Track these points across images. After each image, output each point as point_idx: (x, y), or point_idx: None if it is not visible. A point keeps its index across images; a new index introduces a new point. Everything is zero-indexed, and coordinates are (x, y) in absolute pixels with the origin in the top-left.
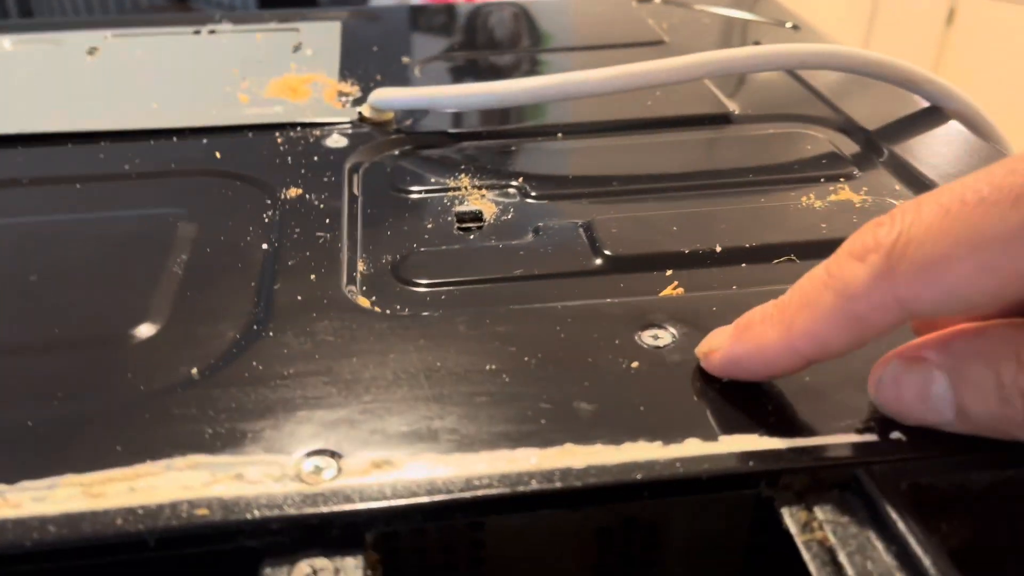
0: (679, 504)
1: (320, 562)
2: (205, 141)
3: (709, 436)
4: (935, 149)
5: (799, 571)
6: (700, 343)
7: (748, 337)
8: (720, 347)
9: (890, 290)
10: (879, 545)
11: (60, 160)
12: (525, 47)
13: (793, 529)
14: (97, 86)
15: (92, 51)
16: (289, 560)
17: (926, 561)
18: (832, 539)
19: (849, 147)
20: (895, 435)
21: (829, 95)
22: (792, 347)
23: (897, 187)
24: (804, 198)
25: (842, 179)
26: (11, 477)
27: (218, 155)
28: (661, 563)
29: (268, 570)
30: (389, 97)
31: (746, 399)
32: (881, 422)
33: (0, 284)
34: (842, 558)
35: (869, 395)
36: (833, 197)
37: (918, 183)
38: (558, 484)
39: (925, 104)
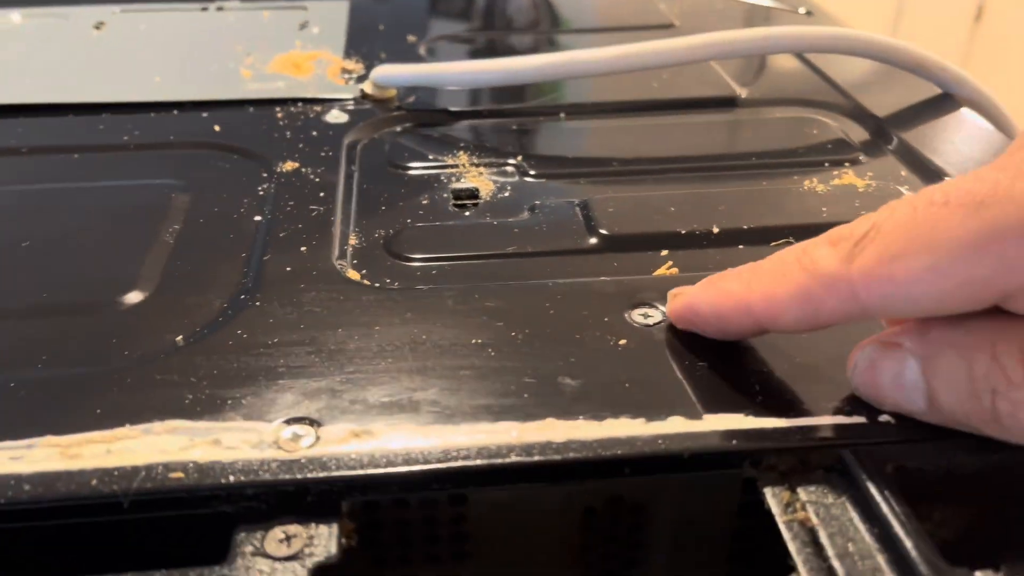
0: (665, 484)
1: (294, 528)
2: (205, 115)
3: (693, 414)
4: (945, 136)
5: (782, 553)
6: (673, 289)
7: (711, 287)
8: (686, 291)
9: (846, 278)
10: (861, 527)
11: (60, 130)
12: (532, 28)
13: (775, 509)
14: (101, 59)
15: (99, 25)
16: (263, 526)
17: (908, 543)
18: (814, 519)
19: (857, 133)
20: (883, 418)
21: (839, 81)
22: (746, 304)
23: (904, 173)
24: (807, 182)
25: (847, 164)
26: None
27: (217, 128)
28: (647, 545)
29: (241, 535)
30: (391, 73)
31: (733, 379)
32: (868, 405)
33: None
34: (823, 538)
35: (849, 379)
36: (836, 181)
37: (926, 170)
38: (537, 457)
39: (937, 91)
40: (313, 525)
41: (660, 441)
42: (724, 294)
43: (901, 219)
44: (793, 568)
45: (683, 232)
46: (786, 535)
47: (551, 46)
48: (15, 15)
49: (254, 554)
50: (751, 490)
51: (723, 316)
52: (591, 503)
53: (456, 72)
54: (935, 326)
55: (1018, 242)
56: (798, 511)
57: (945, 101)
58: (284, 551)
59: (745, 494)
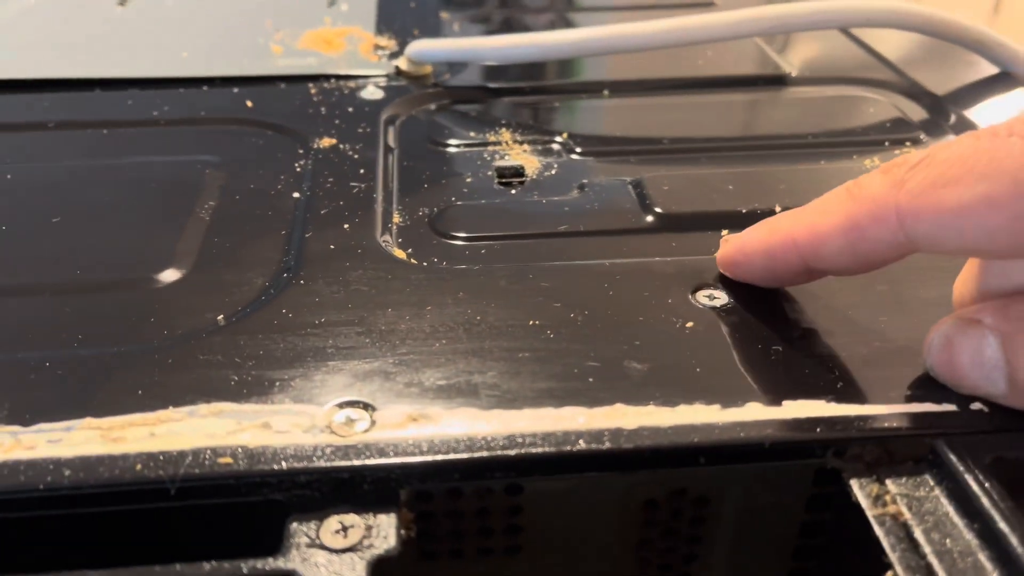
0: (734, 475)
1: (351, 518)
2: (236, 90)
3: (772, 401)
4: (1006, 115)
5: (866, 551)
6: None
7: (764, 226)
8: (737, 235)
9: (894, 201)
10: (959, 522)
11: (87, 105)
12: (570, 5)
13: (864, 503)
14: (127, 35)
15: (123, 1)
16: (318, 516)
17: (1013, 539)
18: (907, 514)
19: (915, 111)
20: (975, 406)
21: (890, 57)
22: (792, 238)
23: None
24: (867, 161)
25: (908, 143)
26: (27, 419)
27: (249, 104)
28: (708, 540)
29: (295, 525)
30: (427, 48)
31: (810, 363)
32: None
33: (21, 226)
34: (918, 535)
35: (924, 363)
36: None
37: None
38: (607, 445)
39: (992, 70)
40: (371, 515)
41: (739, 429)
42: (773, 231)
43: (960, 149)
44: (886, 565)
45: (743, 211)
46: (878, 531)
47: (585, 23)
48: None
49: (310, 546)
50: (822, 481)
51: (770, 252)
52: (653, 495)
53: (495, 47)
54: (1017, 301)
55: None
56: (888, 505)
57: (1003, 79)
58: (341, 542)
59: (816, 485)
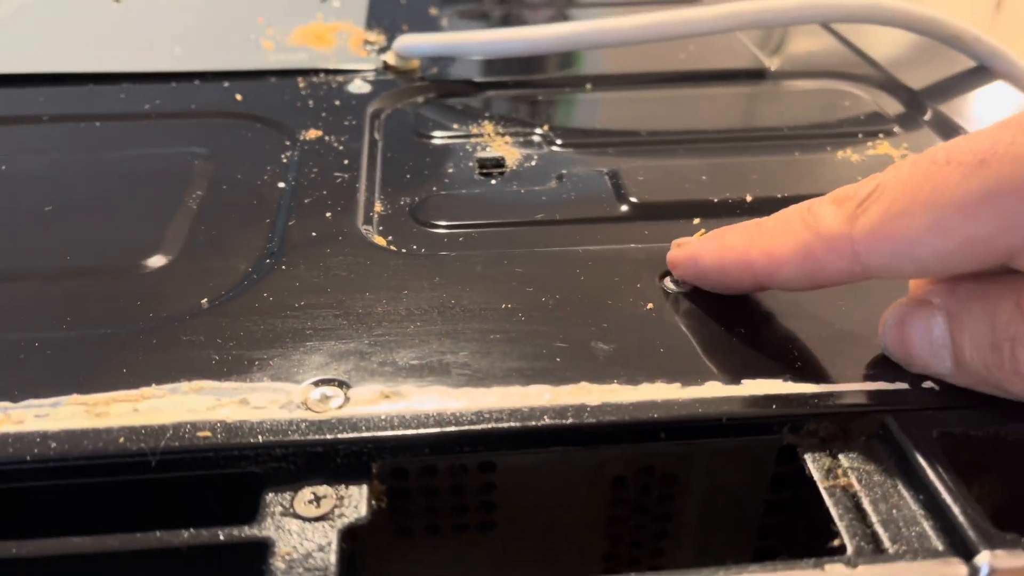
0: (697, 453)
1: (323, 489)
2: (227, 85)
3: (731, 379)
4: (981, 109)
5: (821, 522)
6: (677, 239)
7: (714, 241)
8: (689, 243)
9: (848, 238)
10: (906, 493)
11: (81, 99)
12: (555, 3)
13: (816, 475)
14: (121, 31)
15: None
16: (292, 487)
17: (955, 508)
18: (856, 486)
19: (891, 105)
20: (927, 384)
21: (870, 53)
22: (747, 260)
23: None
24: (841, 152)
25: (881, 135)
26: (16, 396)
27: (239, 98)
28: (677, 518)
29: (270, 495)
30: (414, 43)
31: (770, 345)
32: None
33: (14, 214)
34: (866, 505)
35: (879, 342)
36: (871, 152)
37: None
38: (571, 420)
39: (970, 64)
40: (343, 486)
41: (698, 405)
42: (726, 248)
43: (904, 178)
44: (836, 535)
45: (715, 200)
46: (828, 501)
47: (575, 19)
48: None
49: (283, 514)
50: (785, 460)
51: (723, 270)
52: (621, 473)
53: (480, 41)
54: (964, 282)
55: (1017, 199)
56: (840, 477)
57: (980, 74)
58: (314, 511)
59: (779, 465)
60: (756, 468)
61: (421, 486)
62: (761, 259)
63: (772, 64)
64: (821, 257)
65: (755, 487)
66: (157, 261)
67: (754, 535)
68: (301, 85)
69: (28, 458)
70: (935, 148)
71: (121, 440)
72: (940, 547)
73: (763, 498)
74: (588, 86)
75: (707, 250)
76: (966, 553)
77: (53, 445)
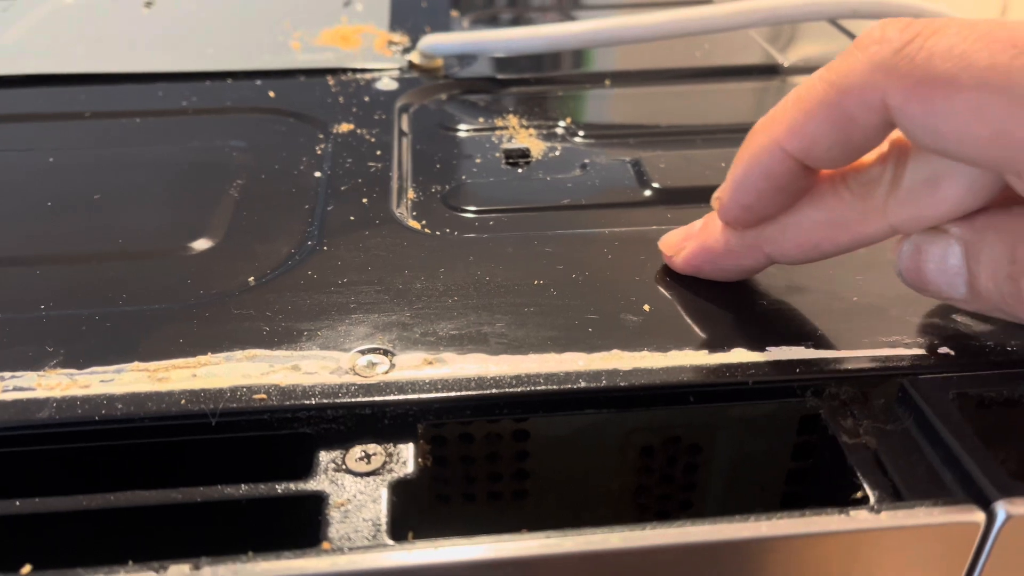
0: (722, 420)
1: (373, 447)
2: (259, 83)
3: (756, 347)
4: None
5: (844, 482)
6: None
7: (742, 149)
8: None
9: (883, 88)
10: (925, 449)
11: (120, 97)
12: (573, 4)
13: (839, 435)
14: (154, 34)
15: (148, 4)
16: (343, 447)
17: (971, 461)
18: (877, 443)
19: None
20: (943, 350)
21: None
22: (777, 144)
23: None
24: None
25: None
26: (80, 363)
27: (272, 95)
28: (702, 487)
29: (323, 453)
30: (438, 42)
31: (793, 316)
32: (929, 337)
33: (67, 203)
34: (886, 461)
35: (894, 268)
36: None
37: None
38: (604, 383)
39: None
40: (391, 445)
41: (725, 370)
42: (754, 146)
43: (956, 41)
44: (858, 489)
45: None
46: (851, 458)
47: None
48: None
49: (336, 470)
50: (806, 430)
51: (765, 169)
52: (648, 442)
53: (502, 39)
54: (982, 213)
55: None
56: (861, 436)
57: None
58: (365, 467)
59: (800, 435)
60: (778, 438)
61: (459, 454)
62: (791, 140)
63: (785, 61)
64: (853, 112)
65: (777, 457)
66: (203, 244)
67: (777, 505)
68: (331, 83)
69: (96, 418)
70: (994, 26)
71: (183, 402)
72: (958, 496)
73: (785, 467)
74: (607, 82)
75: (740, 159)
76: (983, 501)
77: (120, 407)
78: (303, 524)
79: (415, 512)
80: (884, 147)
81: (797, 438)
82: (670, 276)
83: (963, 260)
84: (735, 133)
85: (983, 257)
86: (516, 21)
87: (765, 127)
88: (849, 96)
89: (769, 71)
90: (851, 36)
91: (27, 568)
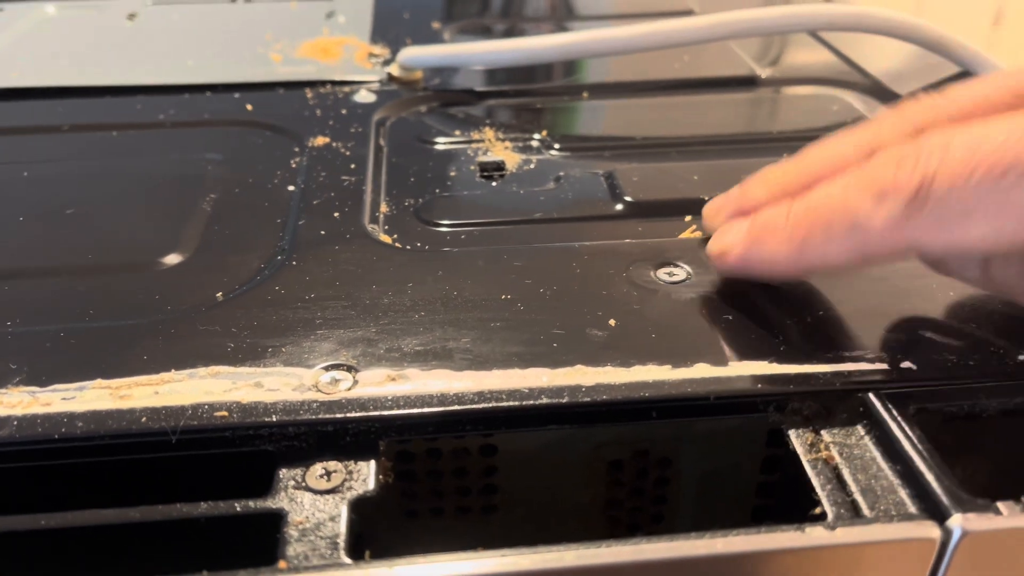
0: (690, 436)
1: (334, 465)
2: (237, 95)
3: (719, 362)
4: None
5: (806, 496)
6: (712, 240)
7: (761, 249)
8: (733, 250)
9: (902, 236)
10: (884, 464)
11: (98, 110)
12: (554, 17)
13: (800, 450)
14: (135, 47)
15: (131, 17)
16: (304, 464)
17: (929, 476)
18: (837, 458)
19: (878, 110)
20: (905, 364)
21: (857, 60)
22: (801, 265)
23: None
24: None
25: None
26: (43, 381)
27: (249, 107)
28: (672, 500)
29: (283, 471)
30: (417, 55)
31: (757, 330)
32: (891, 351)
33: (39, 216)
34: (847, 475)
35: None
36: None
37: None
38: (567, 399)
39: (956, 69)
40: (352, 462)
41: (687, 385)
42: (777, 256)
43: (959, 176)
44: (817, 503)
45: (707, 198)
46: (810, 473)
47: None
48: (49, 7)
49: (296, 487)
50: (775, 443)
51: (778, 273)
52: (618, 456)
53: (480, 52)
54: None
55: None
56: (822, 451)
57: (965, 79)
58: (325, 484)
59: (769, 447)
60: (747, 451)
61: (426, 469)
62: (815, 263)
63: (763, 72)
64: (876, 252)
65: (747, 470)
66: (173, 259)
67: (748, 517)
68: (309, 96)
69: (56, 436)
70: (985, 146)
71: (143, 420)
72: (915, 511)
73: (755, 480)
74: (585, 94)
75: (756, 261)
76: (940, 517)
77: (80, 424)
78: (264, 543)
79: (384, 528)
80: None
81: (766, 451)
82: (636, 291)
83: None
84: (710, 145)
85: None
86: (500, 33)
87: (793, 245)
88: (871, 241)
89: (748, 83)
90: (830, 47)
91: None
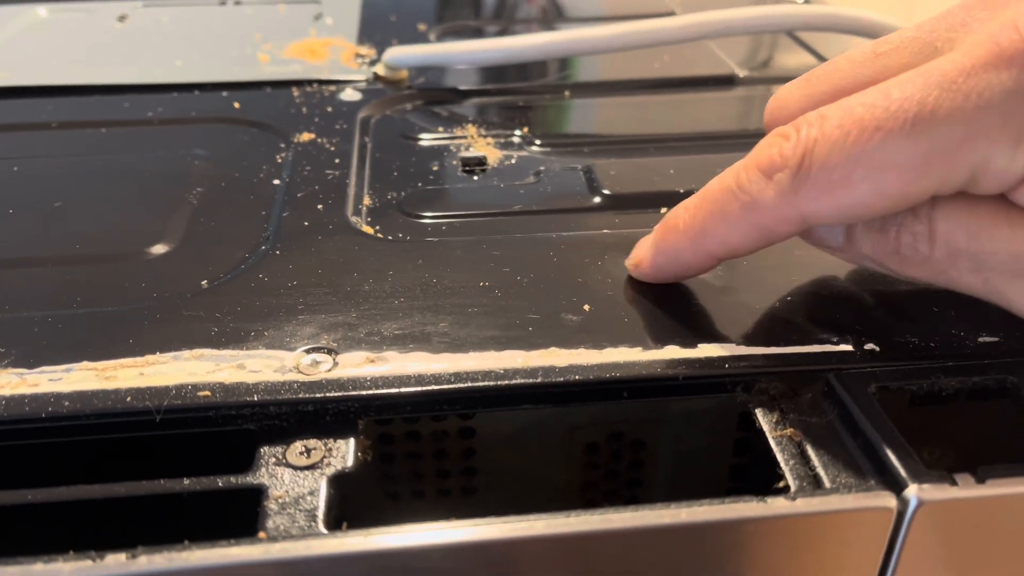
0: (663, 417)
1: (313, 442)
2: (225, 94)
3: (689, 344)
4: None
5: (772, 472)
6: (629, 255)
7: (665, 248)
8: (643, 259)
9: (793, 206)
10: (846, 440)
11: (87, 108)
12: (540, 20)
13: (765, 427)
14: (125, 47)
15: (122, 18)
16: (285, 442)
17: (887, 449)
18: (801, 435)
19: None
20: (868, 346)
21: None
22: (705, 251)
23: None
24: None
25: None
26: (31, 363)
27: (237, 105)
28: (647, 482)
29: (264, 448)
30: (402, 54)
31: (725, 315)
32: (855, 334)
33: (28, 209)
34: (809, 450)
35: None
36: None
37: None
38: (541, 379)
39: None
40: (332, 440)
41: (657, 366)
42: (680, 249)
43: (836, 143)
44: (781, 476)
45: (682, 192)
46: (775, 448)
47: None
48: (41, 9)
49: (276, 464)
50: (745, 426)
51: (686, 266)
52: (593, 439)
53: (464, 51)
54: None
55: (950, 160)
56: (787, 428)
57: None
58: (304, 461)
59: (740, 430)
60: (718, 433)
61: (406, 451)
62: (717, 247)
63: (742, 72)
64: (772, 228)
65: (719, 452)
66: (159, 249)
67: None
68: (295, 94)
69: (43, 415)
70: (858, 110)
71: (128, 399)
72: (873, 484)
73: (727, 463)
74: (567, 93)
75: (663, 261)
76: (897, 488)
77: (66, 404)
78: (245, 518)
79: (366, 509)
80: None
81: (737, 433)
82: (611, 279)
83: None
84: (687, 141)
85: None
86: (485, 34)
87: (693, 236)
88: (766, 217)
89: (726, 82)
90: (806, 47)
91: None
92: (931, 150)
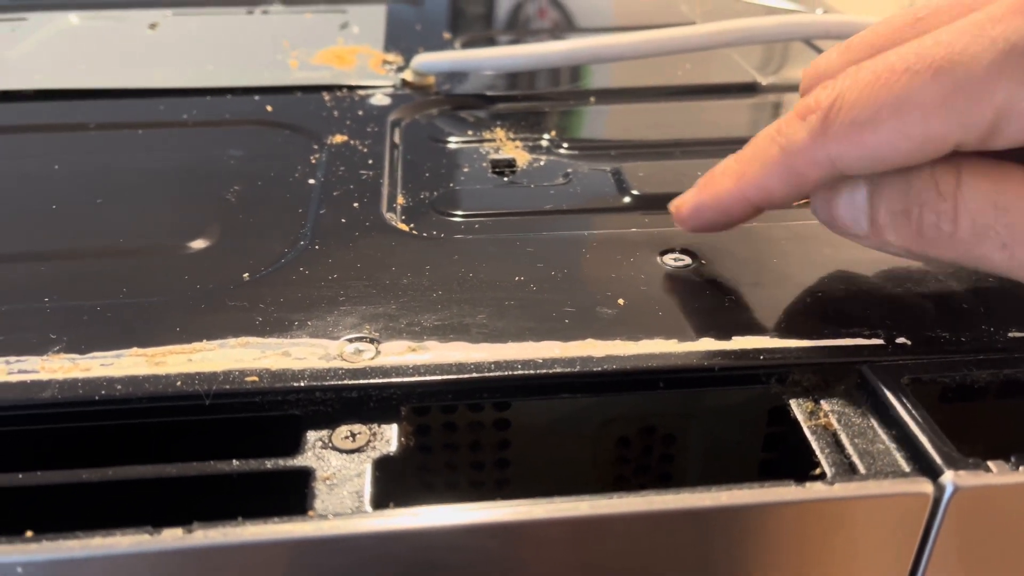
0: (693, 408)
1: (358, 427)
2: (257, 98)
3: (723, 337)
4: None
5: (806, 463)
6: (672, 201)
7: (708, 188)
8: (685, 201)
9: (823, 148)
10: (880, 430)
11: (122, 111)
12: (561, 30)
13: (800, 417)
14: (157, 53)
15: (153, 26)
16: (330, 427)
17: (923, 438)
18: (836, 425)
19: None
20: (900, 339)
21: None
22: (743, 195)
23: None
24: None
25: None
26: (82, 349)
27: (269, 109)
28: (678, 478)
29: (310, 432)
30: (430, 60)
31: (759, 309)
32: (887, 328)
33: (71, 205)
34: (844, 440)
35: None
36: None
37: None
38: (578, 368)
39: None
40: (376, 425)
41: (692, 357)
42: (721, 190)
43: (865, 87)
44: (817, 464)
45: None
46: (810, 437)
47: None
48: (73, 16)
49: (323, 447)
50: (776, 421)
51: (725, 209)
52: (624, 432)
53: (491, 57)
54: None
55: (971, 100)
56: (821, 418)
57: None
58: (350, 445)
59: (770, 425)
60: (749, 428)
61: (442, 442)
62: (754, 192)
63: (764, 80)
64: (803, 171)
65: (749, 447)
66: (200, 244)
67: None
68: (326, 98)
69: (96, 398)
70: (892, 57)
71: (179, 384)
72: (909, 470)
73: (757, 458)
74: (592, 99)
75: (705, 200)
76: (933, 474)
77: (118, 388)
78: (292, 500)
79: (401, 498)
80: None
81: (767, 429)
82: (644, 275)
83: (867, 198)
84: (713, 146)
85: (884, 194)
86: (508, 42)
87: (733, 179)
88: (798, 158)
89: (748, 89)
90: None
91: (29, 534)
92: (955, 88)
